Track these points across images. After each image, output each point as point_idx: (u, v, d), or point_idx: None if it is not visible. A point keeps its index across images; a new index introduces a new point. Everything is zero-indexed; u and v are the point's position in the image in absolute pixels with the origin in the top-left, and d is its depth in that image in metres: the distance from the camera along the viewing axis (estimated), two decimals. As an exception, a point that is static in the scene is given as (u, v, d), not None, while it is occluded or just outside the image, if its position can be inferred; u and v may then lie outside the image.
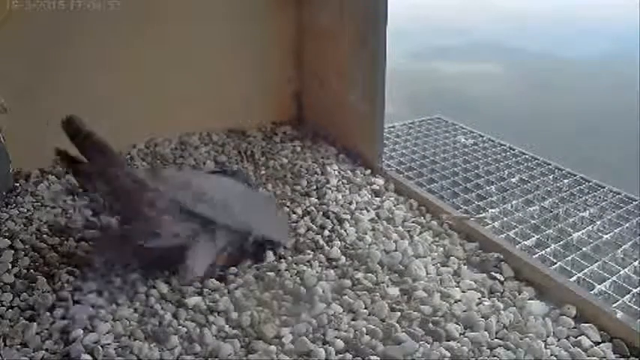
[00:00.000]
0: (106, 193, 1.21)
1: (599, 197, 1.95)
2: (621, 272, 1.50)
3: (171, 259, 1.22)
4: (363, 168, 1.83)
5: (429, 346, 1.07)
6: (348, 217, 1.51)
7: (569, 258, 1.56)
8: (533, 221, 1.77)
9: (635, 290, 1.42)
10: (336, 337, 1.09)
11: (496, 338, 1.11)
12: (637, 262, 1.55)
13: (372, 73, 1.74)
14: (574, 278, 1.46)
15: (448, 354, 1.05)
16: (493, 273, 1.30)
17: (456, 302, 1.20)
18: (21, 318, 1.13)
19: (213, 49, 1.98)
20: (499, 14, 6.74)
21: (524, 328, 1.13)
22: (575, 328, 1.15)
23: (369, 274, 1.29)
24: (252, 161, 1.90)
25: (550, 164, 2.22)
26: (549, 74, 4.42)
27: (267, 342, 1.08)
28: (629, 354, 1.08)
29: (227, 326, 1.12)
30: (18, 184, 1.68)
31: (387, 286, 1.25)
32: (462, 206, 1.84)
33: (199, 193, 1.25)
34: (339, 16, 1.88)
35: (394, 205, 1.61)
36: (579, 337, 1.11)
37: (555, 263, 1.53)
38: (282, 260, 1.35)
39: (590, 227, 1.74)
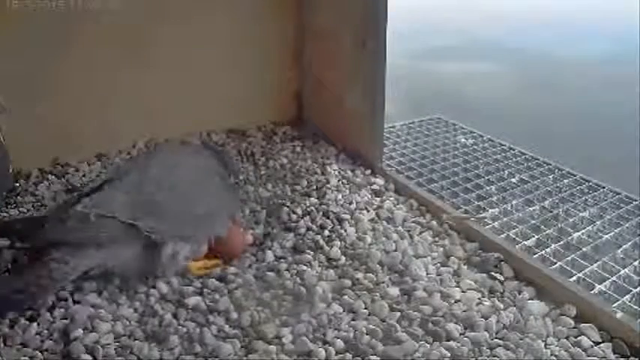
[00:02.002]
0: None
1: (599, 197, 1.95)
2: (621, 272, 1.50)
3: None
4: (363, 168, 1.83)
5: (429, 346, 1.07)
6: (348, 217, 1.51)
7: (569, 258, 1.56)
8: (533, 221, 1.77)
9: (635, 290, 1.42)
10: (336, 337, 1.09)
11: (496, 338, 1.11)
12: (637, 262, 1.55)
13: (372, 73, 1.74)
14: (574, 278, 1.46)
15: (448, 354, 1.04)
16: (493, 273, 1.30)
17: (456, 302, 1.20)
18: (21, 318, 1.13)
19: (213, 49, 1.98)
20: (498, 14, 6.74)
21: (524, 328, 1.13)
22: (575, 328, 1.15)
23: (369, 274, 1.28)
24: (252, 161, 1.90)
25: (550, 164, 2.22)
26: (549, 74, 4.42)
27: (267, 342, 1.08)
28: (629, 354, 1.09)
29: (227, 326, 1.12)
30: (18, 184, 1.68)
31: (387, 286, 1.25)
32: (462, 206, 1.84)
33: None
34: (339, 16, 1.88)
35: (394, 205, 1.61)
36: (579, 337, 1.12)
37: (555, 263, 1.54)
38: (282, 260, 1.35)
39: (590, 227, 1.74)
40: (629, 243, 1.65)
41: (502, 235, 1.63)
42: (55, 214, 1.16)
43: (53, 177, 1.73)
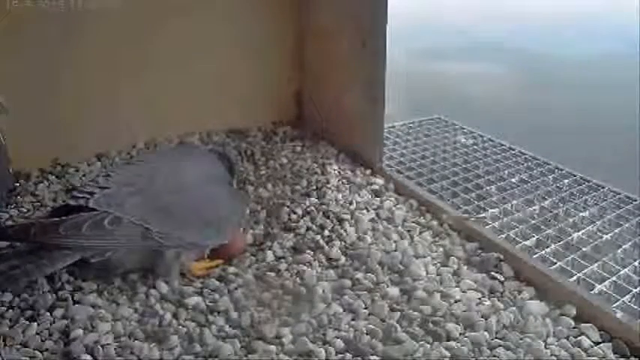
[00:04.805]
0: None
1: (599, 197, 1.95)
2: (621, 272, 1.50)
3: None
4: (363, 168, 1.83)
5: (429, 346, 1.07)
6: (348, 217, 1.51)
7: (569, 258, 1.56)
8: (533, 221, 1.77)
9: (635, 290, 1.43)
10: (336, 337, 1.09)
11: (496, 338, 1.10)
12: (637, 262, 1.55)
13: (372, 73, 1.74)
14: (574, 278, 1.46)
15: (448, 354, 1.04)
16: (493, 273, 1.30)
17: (456, 302, 1.20)
18: (21, 318, 1.13)
19: (213, 49, 1.98)
20: (499, 14, 6.74)
21: (524, 328, 1.13)
22: (575, 328, 1.15)
23: (369, 274, 1.28)
24: (252, 161, 1.90)
25: (550, 164, 2.22)
26: (549, 74, 4.42)
27: (267, 342, 1.08)
28: (629, 354, 1.08)
29: (227, 326, 1.12)
30: (18, 184, 1.68)
31: (387, 286, 1.24)
32: (462, 206, 1.85)
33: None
34: (340, 16, 1.88)
35: (394, 205, 1.61)
36: (579, 337, 1.11)
37: (555, 263, 1.54)
38: (282, 260, 1.35)
39: (590, 227, 1.74)
40: (629, 243, 1.65)
41: (502, 235, 1.63)
42: (70, 217, 1.16)
43: (53, 177, 1.73)
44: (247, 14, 2.02)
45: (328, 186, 1.67)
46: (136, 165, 1.35)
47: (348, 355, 1.04)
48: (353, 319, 1.15)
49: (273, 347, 1.06)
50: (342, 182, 1.72)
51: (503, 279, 1.29)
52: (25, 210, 1.54)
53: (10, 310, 1.15)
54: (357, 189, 1.68)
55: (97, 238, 1.15)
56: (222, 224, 1.30)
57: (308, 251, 1.37)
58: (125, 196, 1.20)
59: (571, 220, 1.79)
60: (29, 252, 1.13)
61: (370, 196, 1.65)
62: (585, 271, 1.50)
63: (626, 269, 1.51)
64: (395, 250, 1.38)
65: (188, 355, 1.05)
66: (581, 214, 1.82)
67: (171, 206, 1.23)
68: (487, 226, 1.67)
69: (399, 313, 1.16)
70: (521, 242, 1.63)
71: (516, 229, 1.71)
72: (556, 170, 2.17)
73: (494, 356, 1.05)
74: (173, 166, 1.33)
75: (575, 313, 1.18)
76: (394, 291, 1.23)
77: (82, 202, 1.18)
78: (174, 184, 1.27)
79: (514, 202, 1.89)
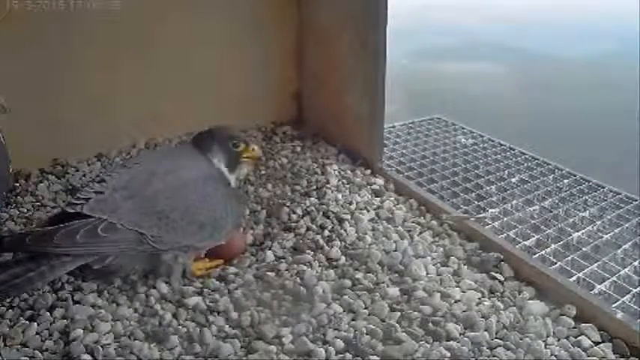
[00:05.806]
0: None
1: (599, 197, 1.95)
2: (621, 272, 1.50)
3: None
4: (363, 168, 1.83)
5: (429, 346, 1.07)
6: (348, 217, 1.51)
7: (569, 258, 1.56)
8: (533, 221, 1.77)
9: (635, 290, 1.43)
10: (336, 337, 1.09)
11: (496, 338, 1.11)
12: (637, 262, 1.55)
13: (372, 73, 1.74)
14: (574, 278, 1.46)
15: (448, 354, 1.04)
16: (493, 273, 1.30)
17: (456, 302, 1.20)
18: (21, 318, 1.13)
19: (213, 49, 1.98)
20: (499, 14, 6.74)
21: (524, 328, 1.13)
22: (575, 328, 1.15)
23: (369, 274, 1.28)
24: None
25: (550, 164, 2.22)
26: (549, 74, 4.42)
27: (267, 342, 1.08)
28: (629, 354, 1.09)
29: (227, 326, 1.12)
30: (18, 184, 1.68)
31: (387, 286, 1.24)
32: (462, 206, 1.85)
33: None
34: (339, 16, 1.88)
35: (394, 205, 1.60)
36: (579, 337, 1.12)
37: (555, 263, 1.54)
38: (282, 260, 1.35)
39: (590, 227, 1.74)
40: (629, 243, 1.65)
41: (502, 235, 1.63)
42: (64, 225, 1.14)
43: (53, 177, 1.73)
44: (247, 14, 2.02)
45: (328, 186, 1.67)
46: (131, 167, 1.34)
47: (348, 355, 1.04)
48: (353, 319, 1.15)
49: (273, 347, 1.06)
50: (342, 182, 1.72)
51: (503, 279, 1.29)
52: (25, 210, 1.54)
53: (10, 310, 1.15)
54: (357, 189, 1.68)
55: (92, 245, 1.14)
56: (217, 225, 1.29)
57: (308, 251, 1.37)
58: (119, 201, 1.19)
59: (571, 220, 1.79)
60: (30, 259, 1.11)
61: (370, 196, 1.65)
62: (585, 271, 1.50)
63: (626, 269, 1.51)
64: (395, 250, 1.38)
65: (188, 355, 1.05)
66: (581, 214, 1.82)
67: (165, 210, 1.22)
68: (487, 226, 1.67)
69: (399, 313, 1.16)
70: (521, 242, 1.63)
71: (516, 229, 1.71)
72: (556, 170, 2.17)
73: (494, 356, 1.06)
74: (168, 168, 1.32)
75: (575, 313, 1.18)
76: (394, 291, 1.23)
77: (77, 209, 1.17)
78: (169, 187, 1.25)
79: (514, 202, 1.89)
